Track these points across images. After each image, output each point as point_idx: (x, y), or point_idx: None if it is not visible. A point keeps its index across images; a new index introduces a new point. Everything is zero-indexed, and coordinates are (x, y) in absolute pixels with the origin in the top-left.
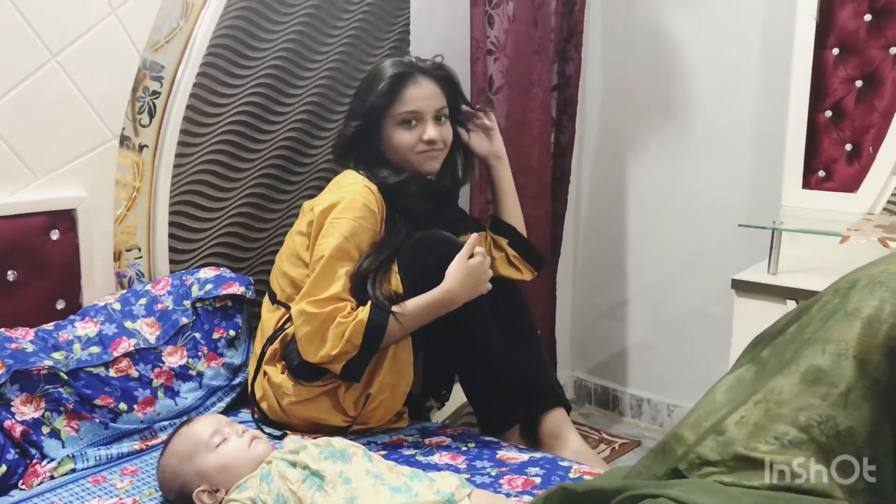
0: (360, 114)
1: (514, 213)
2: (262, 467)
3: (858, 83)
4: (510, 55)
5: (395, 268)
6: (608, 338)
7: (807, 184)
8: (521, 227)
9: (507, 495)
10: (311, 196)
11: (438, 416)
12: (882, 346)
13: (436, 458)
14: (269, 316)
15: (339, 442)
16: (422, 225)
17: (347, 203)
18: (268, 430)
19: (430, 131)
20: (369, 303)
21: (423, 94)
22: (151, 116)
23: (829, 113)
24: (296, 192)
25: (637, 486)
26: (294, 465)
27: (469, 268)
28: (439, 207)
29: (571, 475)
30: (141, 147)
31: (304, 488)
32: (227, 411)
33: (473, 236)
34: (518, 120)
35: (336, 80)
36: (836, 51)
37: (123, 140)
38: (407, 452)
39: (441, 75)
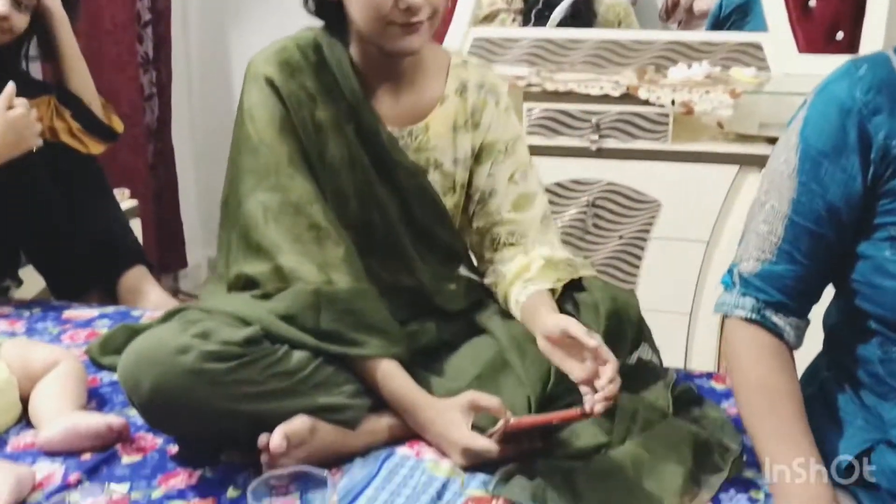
0: None
1: (78, 81)
2: None
3: None
4: None
5: None
6: None
7: None
8: (88, 95)
9: (67, 348)
10: None
11: (23, 295)
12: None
13: None
14: None
15: None
16: None
17: None
18: None
19: None
20: None
21: None
22: None
23: None
24: None
25: (189, 306)
26: None
27: (9, 121)
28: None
29: (143, 322)
30: None
31: None
32: None
33: (10, 86)
34: None
35: None
36: None
37: None
38: None
39: None
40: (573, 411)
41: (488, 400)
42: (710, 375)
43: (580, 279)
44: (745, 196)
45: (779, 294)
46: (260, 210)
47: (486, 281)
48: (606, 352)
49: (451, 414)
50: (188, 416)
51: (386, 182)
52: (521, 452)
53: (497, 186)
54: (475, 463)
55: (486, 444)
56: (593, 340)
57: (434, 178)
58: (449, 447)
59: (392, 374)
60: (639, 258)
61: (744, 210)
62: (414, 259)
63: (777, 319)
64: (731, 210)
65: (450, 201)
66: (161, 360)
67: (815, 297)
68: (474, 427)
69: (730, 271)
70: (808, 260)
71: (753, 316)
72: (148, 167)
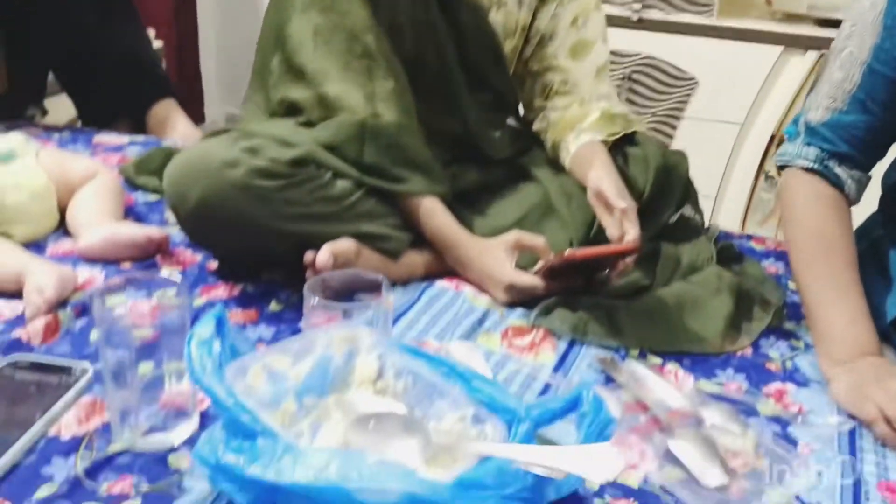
0: None
1: None
2: None
3: None
4: None
5: None
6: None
7: None
8: None
9: None
10: None
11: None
12: None
13: None
14: None
15: None
16: None
17: None
18: None
19: None
20: None
21: None
22: None
23: None
24: None
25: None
26: None
27: None
28: None
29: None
30: None
31: None
32: None
33: None
34: None
35: None
36: None
37: None
38: None
39: None
40: (625, 245)
41: (532, 238)
42: (749, 237)
43: (633, 134)
44: (784, 79)
45: (845, 145)
46: (310, 31)
47: (535, 127)
48: (631, 220)
49: (495, 251)
50: (232, 230)
51: (446, 18)
52: (565, 290)
53: (558, 29)
54: (518, 300)
55: (531, 279)
56: (622, 203)
57: (496, 18)
58: (492, 284)
59: (435, 211)
60: (670, 137)
61: (783, 94)
62: (463, 102)
63: (840, 171)
64: (770, 93)
65: (508, 45)
66: (210, 172)
67: (882, 152)
68: (517, 266)
69: (795, 121)
70: (882, 110)
71: (815, 166)
72: (172, 13)
